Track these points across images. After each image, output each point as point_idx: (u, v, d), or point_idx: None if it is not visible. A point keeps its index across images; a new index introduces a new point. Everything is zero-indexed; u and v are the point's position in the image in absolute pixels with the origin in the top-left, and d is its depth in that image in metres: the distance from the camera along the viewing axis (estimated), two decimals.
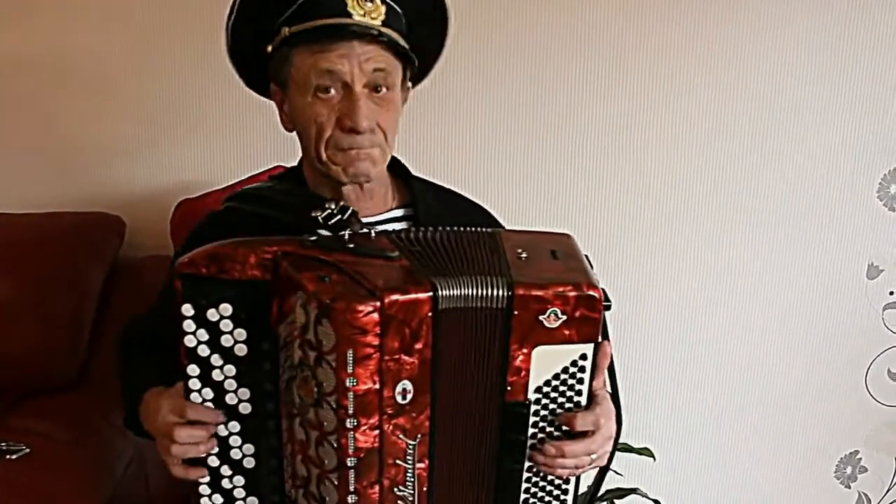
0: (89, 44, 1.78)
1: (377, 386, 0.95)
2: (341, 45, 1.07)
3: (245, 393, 1.03)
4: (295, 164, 1.27)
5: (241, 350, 1.01)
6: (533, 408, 1.02)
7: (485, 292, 0.97)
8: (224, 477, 1.06)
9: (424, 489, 1.02)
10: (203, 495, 1.07)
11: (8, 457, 1.42)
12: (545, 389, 1.02)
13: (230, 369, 1.02)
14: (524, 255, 1.04)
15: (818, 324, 2.06)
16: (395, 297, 0.93)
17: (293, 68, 1.11)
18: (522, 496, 1.08)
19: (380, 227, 1.17)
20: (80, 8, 1.76)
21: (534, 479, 1.08)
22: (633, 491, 1.84)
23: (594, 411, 1.05)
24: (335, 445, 0.96)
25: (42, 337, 1.60)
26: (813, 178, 1.96)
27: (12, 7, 1.76)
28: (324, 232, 1.05)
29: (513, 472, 1.06)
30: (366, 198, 1.19)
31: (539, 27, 1.82)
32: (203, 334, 1.01)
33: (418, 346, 0.96)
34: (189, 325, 1.00)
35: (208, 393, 1.03)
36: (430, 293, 0.95)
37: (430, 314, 0.95)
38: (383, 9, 1.09)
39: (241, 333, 1.01)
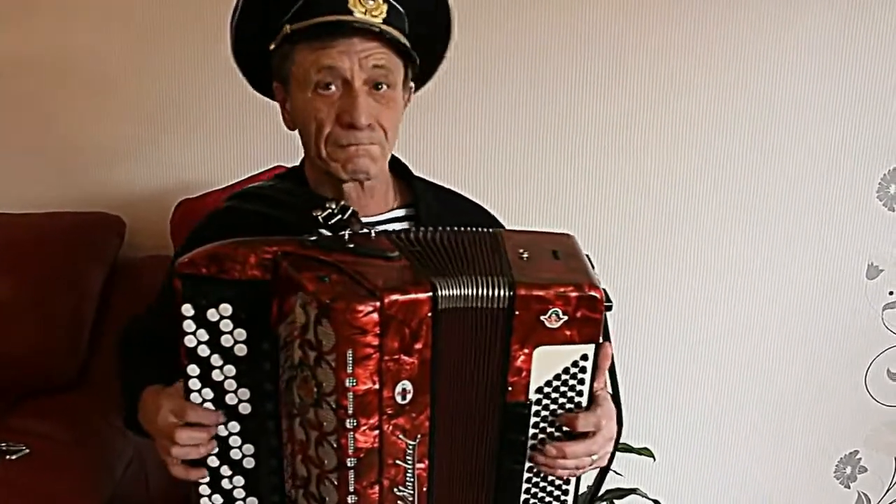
0: (89, 44, 1.78)
1: (377, 386, 0.95)
2: (342, 41, 1.07)
3: (245, 393, 1.03)
4: (295, 164, 1.28)
5: (240, 350, 1.01)
6: (534, 408, 1.02)
7: (486, 292, 0.97)
8: (224, 477, 1.06)
9: (424, 489, 1.02)
10: (203, 495, 1.07)
11: (8, 457, 1.42)
12: (546, 390, 1.02)
13: (230, 369, 1.02)
14: (525, 255, 1.04)
15: (818, 323, 2.06)
16: (394, 297, 0.93)
17: (294, 65, 1.11)
18: (522, 496, 1.08)
19: (381, 227, 1.17)
20: (80, 8, 1.76)
21: (534, 480, 1.07)
22: (633, 491, 1.84)
23: (596, 412, 1.05)
24: (335, 445, 0.96)
25: (42, 337, 1.60)
26: (813, 176, 1.96)
27: (12, 7, 1.76)
28: (324, 231, 1.06)
29: (513, 473, 1.06)
30: (367, 197, 1.19)
31: (539, 27, 1.82)
32: (203, 334, 1.01)
33: (418, 346, 0.96)
34: (189, 325, 1.00)
35: (208, 393, 1.03)
36: (430, 293, 0.95)
37: (429, 314, 0.95)
38: (385, 7, 1.10)
39: (241, 333, 1.01)
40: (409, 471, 1.00)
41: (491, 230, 1.11)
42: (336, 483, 0.98)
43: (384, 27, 1.09)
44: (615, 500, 1.87)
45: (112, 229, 1.76)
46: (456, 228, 1.09)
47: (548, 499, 1.10)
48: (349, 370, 0.93)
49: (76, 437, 1.54)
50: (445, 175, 1.35)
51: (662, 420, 2.08)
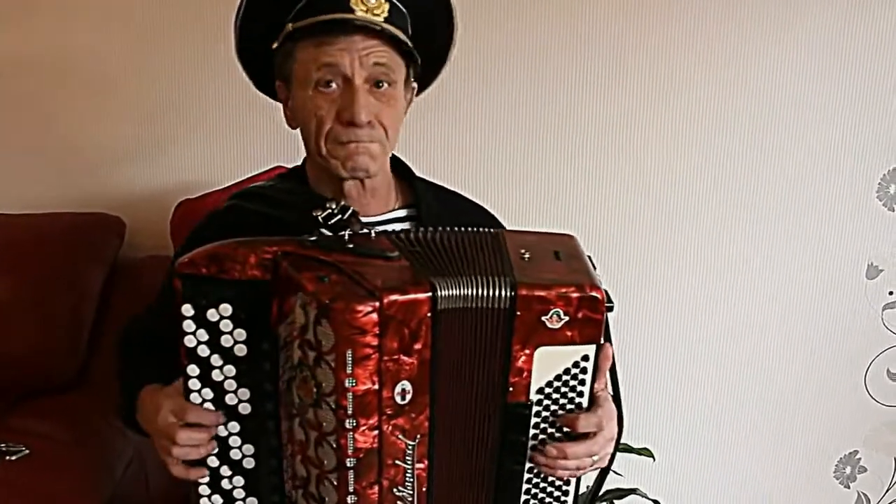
0: (89, 44, 1.78)
1: (376, 386, 0.95)
2: (343, 39, 1.08)
3: (245, 393, 1.03)
4: (296, 164, 1.28)
5: (240, 350, 1.01)
6: (534, 409, 1.02)
7: (487, 292, 0.97)
8: (224, 477, 1.06)
9: (424, 489, 1.02)
10: (203, 495, 1.07)
11: (8, 457, 1.42)
12: (547, 390, 1.02)
13: (230, 369, 1.02)
14: (527, 255, 1.04)
15: (818, 323, 2.06)
16: (394, 297, 0.93)
17: (296, 63, 1.12)
18: (522, 497, 1.08)
19: (381, 228, 1.17)
20: (80, 8, 1.76)
21: (534, 481, 1.07)
22: (633, 491, 1.84)
23: (596, 413, 1.05)
24: (334, 446, 0.96)
25: (42, 337, 1.60)
26: (813, 176, 1.96)
27: (12, 7, 1.76)
28: (324, 231, 1.05)
29: (513, 473, 1.06)
30: (368, 197, 1.19)
31: (539, 27, 1.82)
32: (203, 334, 1.01)
33: (417, 346, 0.96)
34: (189, 326, 1.00)
35: (208, 393, 1.03)
36: (429, 293, 0.95)
37: (429, 314, 0.95)
38: (386, 6, 1.11)
39: (240, 333, 1.01)
40: (409, 471, 1.00)
41: (492, 230, 1.11)
42: (335, 483, 0.98)
43: (385, 25, 1.09)
44: (615, 501, 1.87)
45: (112, 230, 1.76)
46: (457, 229, 1.09)
47: (548, 499, 1.10)
48: (349, 370, 0.93)
49: (76, 437, 1.54)
50: (446, 175, 1.35)
51: (662, 419, 2.08)
